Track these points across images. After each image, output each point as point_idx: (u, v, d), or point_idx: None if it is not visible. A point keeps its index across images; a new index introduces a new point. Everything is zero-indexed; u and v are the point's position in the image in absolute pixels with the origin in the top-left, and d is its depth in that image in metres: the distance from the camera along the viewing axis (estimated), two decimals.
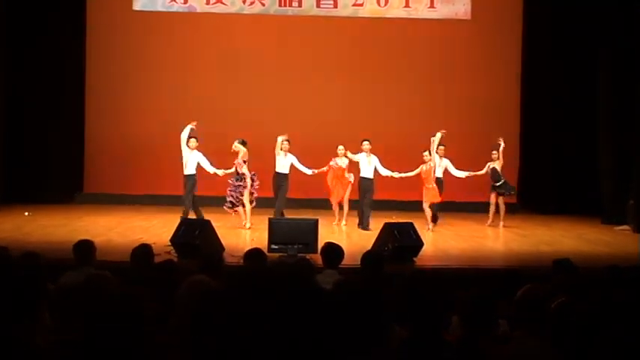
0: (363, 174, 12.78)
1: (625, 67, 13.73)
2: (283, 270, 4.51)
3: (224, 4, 15.85)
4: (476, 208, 15.09)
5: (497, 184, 13.31)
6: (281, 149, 12.62)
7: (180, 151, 12.46)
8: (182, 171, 12.51)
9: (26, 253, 5.80)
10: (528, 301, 3.90)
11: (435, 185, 12.62)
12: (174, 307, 4.49)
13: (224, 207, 12.27)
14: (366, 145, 12.79)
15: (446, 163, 13.21)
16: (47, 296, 5.01)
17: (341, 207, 12.93)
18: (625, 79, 13.74)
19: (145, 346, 3.08)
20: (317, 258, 7.41)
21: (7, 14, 14.86)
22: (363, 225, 12.45)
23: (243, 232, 11.92)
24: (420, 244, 9.42)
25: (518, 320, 4.03)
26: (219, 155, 13.17)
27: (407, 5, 15.91)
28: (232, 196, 12.21)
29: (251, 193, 12.23)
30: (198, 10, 15.87)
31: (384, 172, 12.83)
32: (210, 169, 12.41)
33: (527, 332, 3.95)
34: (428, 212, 12.52)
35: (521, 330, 4.38)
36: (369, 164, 12.77)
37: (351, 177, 12.87)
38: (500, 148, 13.34)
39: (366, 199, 12.58)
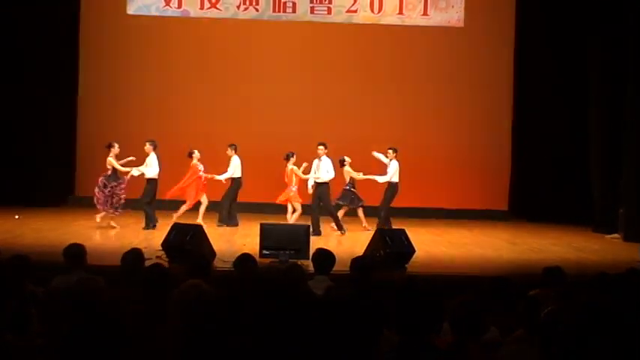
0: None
1: (615, 78, 13.77)
2: (274, 275, 4.51)
3: (218, 9, 15.86)
4: (467, 216, 15.15)
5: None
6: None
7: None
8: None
9: (15, 255, 5.77)
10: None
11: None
12: (167, 312, 4.48)
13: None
14: (320, 149, 12.75)
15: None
16: (36, 300, 5.00)
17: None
18: (614, 90, 13.79)
19: (132, 351, 3.07)
20: (309, 264, 7.41)
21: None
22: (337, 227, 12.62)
23: (234, 237, 11.92)
24: (412, 250, 9.42)
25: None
26: (212, 158, 13.23)
27: (400, 12, 15.95)
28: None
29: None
30: (192, 15, 15.87)
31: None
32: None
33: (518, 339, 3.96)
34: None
35: (511, 337, 4.40)
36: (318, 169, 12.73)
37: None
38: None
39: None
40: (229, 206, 13.17)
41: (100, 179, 12.37)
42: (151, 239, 10.88)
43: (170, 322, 4.20)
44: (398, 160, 13.14)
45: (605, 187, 14.20)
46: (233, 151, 13.29)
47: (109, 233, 11.83)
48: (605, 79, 14.13)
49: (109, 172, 12.40)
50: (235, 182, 13.25)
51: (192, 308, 3.20)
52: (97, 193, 12.31)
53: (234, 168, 13.22)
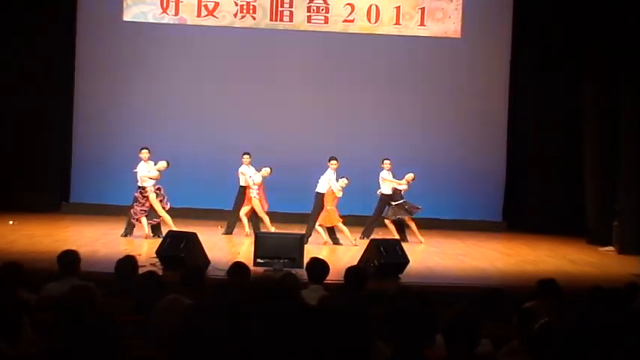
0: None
1: (612, 84, 13.76)
2: (269, 284, 4.50)
3: (215, 17, 15.87)
4: (462, 227, 15.14)
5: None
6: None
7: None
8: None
9: (8, 262, 5.75)
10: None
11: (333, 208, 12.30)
12: (153, 326, 4.46)
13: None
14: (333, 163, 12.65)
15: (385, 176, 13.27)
16: (29, 307, 4.98)
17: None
18: (611, 99, 13.79)
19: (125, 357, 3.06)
20: (303, 273, 7.40)
21: None
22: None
23: (229, 245, 11.90)
24: (406, 261, 9.42)
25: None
26: (206, 165, 13.21)
27: (397, 22, 15.98)
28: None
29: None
30: (189, 23, 15.87)
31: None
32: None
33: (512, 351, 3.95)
34: (321, 231, 12.32)
35: (505, 348, 4.39)
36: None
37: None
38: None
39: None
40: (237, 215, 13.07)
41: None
42: (146, 246, 10.85)
43: (157, 334, 4.19)
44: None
45: (599, 199, 14.20)
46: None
47: (104, 240, 11.78)
48: (602, 85, 14.08)
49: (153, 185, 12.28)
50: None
51: (178, 323, 3.19)
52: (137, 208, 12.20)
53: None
